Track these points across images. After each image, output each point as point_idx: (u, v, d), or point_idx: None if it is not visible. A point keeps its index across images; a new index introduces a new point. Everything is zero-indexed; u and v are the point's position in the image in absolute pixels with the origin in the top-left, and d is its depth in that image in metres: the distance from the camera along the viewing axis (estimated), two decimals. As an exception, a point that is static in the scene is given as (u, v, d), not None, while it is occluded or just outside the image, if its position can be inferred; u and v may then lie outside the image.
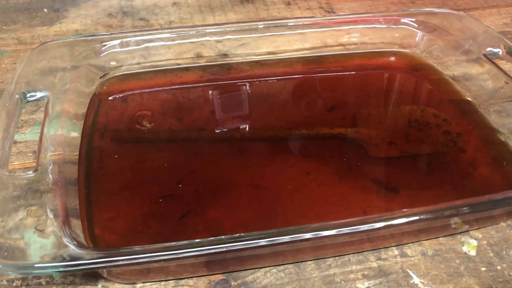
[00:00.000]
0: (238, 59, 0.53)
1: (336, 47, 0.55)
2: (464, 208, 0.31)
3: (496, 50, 0.47)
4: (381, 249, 0.35)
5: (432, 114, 0.45)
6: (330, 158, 0.40)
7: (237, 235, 0.28)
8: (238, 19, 0.62)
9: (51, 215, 0.30)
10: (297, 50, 0.54)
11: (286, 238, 0.28)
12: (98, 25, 0.60)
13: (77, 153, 0.39)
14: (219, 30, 0.50)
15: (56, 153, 0.37)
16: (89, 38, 0.45)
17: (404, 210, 0.30)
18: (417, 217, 0.30)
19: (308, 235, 0.29)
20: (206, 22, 0.62)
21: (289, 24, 0.51)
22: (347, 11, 0.65)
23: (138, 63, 0.50)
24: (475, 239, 0.36)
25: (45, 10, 0.62)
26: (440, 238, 0.36)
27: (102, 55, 0.46)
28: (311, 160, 0.40)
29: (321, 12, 0.65)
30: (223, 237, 0.28)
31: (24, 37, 0.57)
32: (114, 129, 0.42)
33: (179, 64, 0.51)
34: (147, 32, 0.48)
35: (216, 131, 0.43)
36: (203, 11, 0.64)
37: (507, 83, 0.46)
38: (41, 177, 0.32)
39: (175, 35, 0.49)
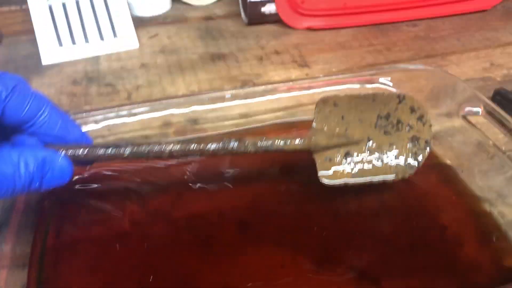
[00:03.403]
0: (209, 125, 0.50)
1: (311, 106, 0.53)
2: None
3: (475, 109, 0.45)
4: None
5: (409, 108, 0.39)
6: (305, 245, 0.37)
7: None
8: (209, 79, 0.60)
9: None
10: (271, 111, 0.52)
11: None
12: (61, 94, 0.57)
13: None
14: (187, 101, 0.48)
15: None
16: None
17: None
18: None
19: None
20: (176, 84, 0.59)
21: (258, 91, 0.49)
22: (321, 63, 0.63)
23: (102, 136, 0.47)
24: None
25: (7, 80, 0.59)
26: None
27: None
28: (285, 248, 0.37)
29: (294, 67, 0.62)
30: None
31: (-18, 113, 0.54)
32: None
33: (147, 136, 0.49)
34: (108, 110, 0.45)
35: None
36: (172, 72, 0.61)
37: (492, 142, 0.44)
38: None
39: (140, 110, 0.47)
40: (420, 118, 0.38)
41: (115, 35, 0.66)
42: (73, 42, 0.64)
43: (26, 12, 0.67)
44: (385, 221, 0.39)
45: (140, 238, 0.38)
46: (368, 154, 0.37)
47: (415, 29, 0.72)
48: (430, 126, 0.38)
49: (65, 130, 0.31)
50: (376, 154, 0.37)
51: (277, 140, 0.36)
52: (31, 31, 0.65)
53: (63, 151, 0.30)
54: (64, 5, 0.65)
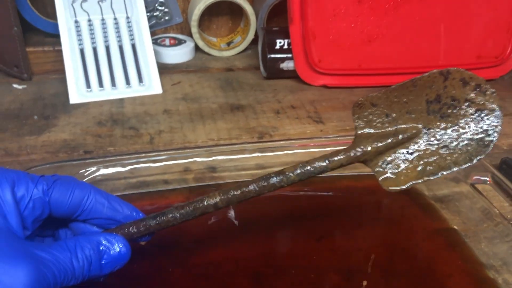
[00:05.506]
0: (226, 174, 0.53)
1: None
2: None
3: (483, 178, 0.48)
4: None
5: (460, 81, 0.32)
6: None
7: None
8: (228, 128, 0.63)
9: None
10: (286, 164, 0.54)
11: None
12: (87, 134, 0.60)
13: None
14: (208, 152, 0.50)
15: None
16: (74, 163, 0.45)
17: None
18: None
19: None
20: (196, 131, 0.62)
21: (276, 146, 0.51)
22: (335, 120, 0.66)
23: (125, 178, 0.50)
24: None
25: (35, 117, 0.63)
26: None
27: (86, 178, 0.46)
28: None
29: (309, 122, 0.65)
30: None
31: (11, 147, 0.56)
32: None
33: (167, 180, 0.51)
34: (134, 156, 0.48)
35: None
36: (193, 120, 0.64)
37: (498, 211, 0.46)
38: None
39: (164, 157, 0.49)
40: (478, 87, 0.32)
41: (141, 81, 0.69)
42: (101, 86, 0.68)
43: (58, 53, 0.71)
44: (394, 283, 0.41)
45: (160, 283, 0.40)
46: (430, 146, 0.33)
47: (425, 93, 0.75)
48: (493, 93, 0.32)
49: (113, 210, 0.32)
50: (440, 143, 0.33)
51: (318, 162, 0.33)
52: (61, 71, 0.69)
53: (117, 232, 0.31)
54: (95, 49, 0.69)
